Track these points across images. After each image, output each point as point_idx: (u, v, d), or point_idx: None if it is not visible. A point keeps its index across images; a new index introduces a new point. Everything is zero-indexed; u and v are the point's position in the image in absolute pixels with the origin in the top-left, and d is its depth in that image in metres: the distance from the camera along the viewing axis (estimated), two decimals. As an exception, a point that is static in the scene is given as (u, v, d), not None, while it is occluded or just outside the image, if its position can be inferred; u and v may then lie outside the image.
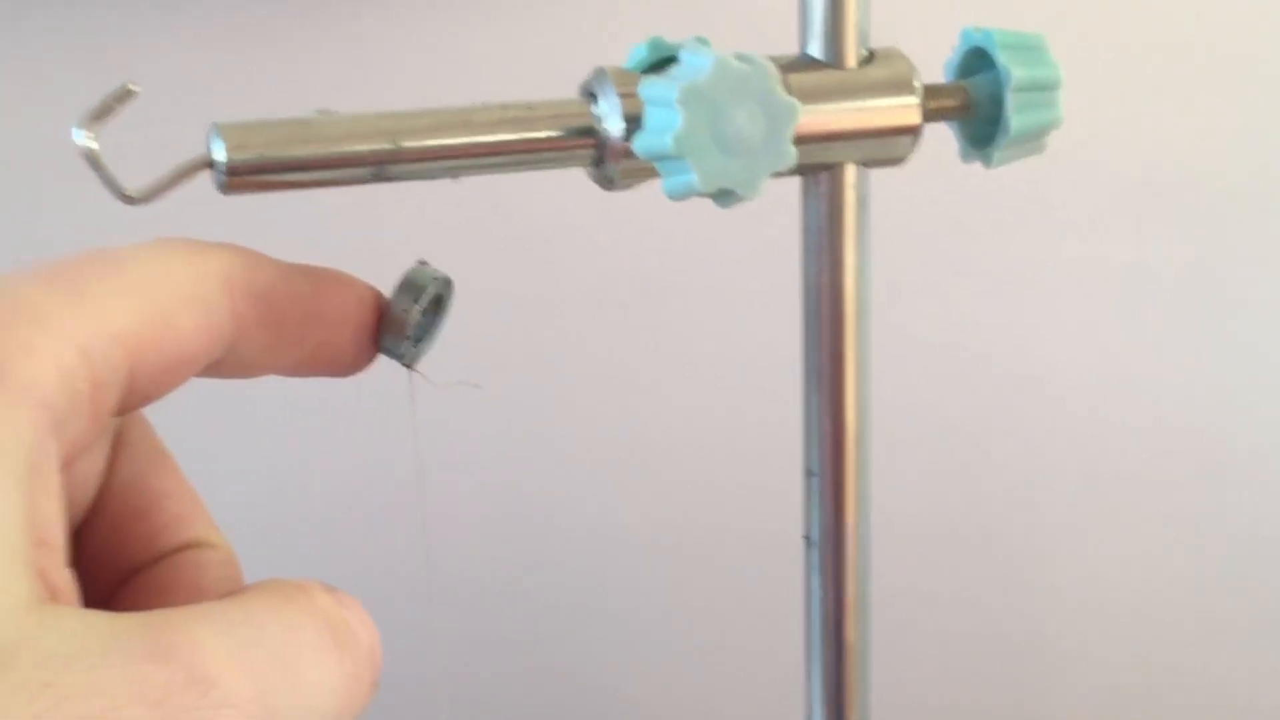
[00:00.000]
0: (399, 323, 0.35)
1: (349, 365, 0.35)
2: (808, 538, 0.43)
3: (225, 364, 0.32)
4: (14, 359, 0.25)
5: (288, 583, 0.28)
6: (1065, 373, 0.90)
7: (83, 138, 0.34)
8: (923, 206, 0.85)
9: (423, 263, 0.37)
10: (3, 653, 0.23)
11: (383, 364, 0.36)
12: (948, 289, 0.87)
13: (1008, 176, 0.82)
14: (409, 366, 0.37)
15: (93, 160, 0.34)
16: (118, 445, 0.32)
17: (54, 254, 0.29)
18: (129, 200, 0.35)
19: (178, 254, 0.30)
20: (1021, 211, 0.87)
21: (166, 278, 0.29)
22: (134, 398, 0.29)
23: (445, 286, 0.37)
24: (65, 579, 0.26)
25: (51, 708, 0.22)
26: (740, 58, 0.36)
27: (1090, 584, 0.93)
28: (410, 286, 0.36)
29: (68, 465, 0.27)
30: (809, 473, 0.43)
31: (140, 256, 0.29)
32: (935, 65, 0.43)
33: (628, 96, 0.37)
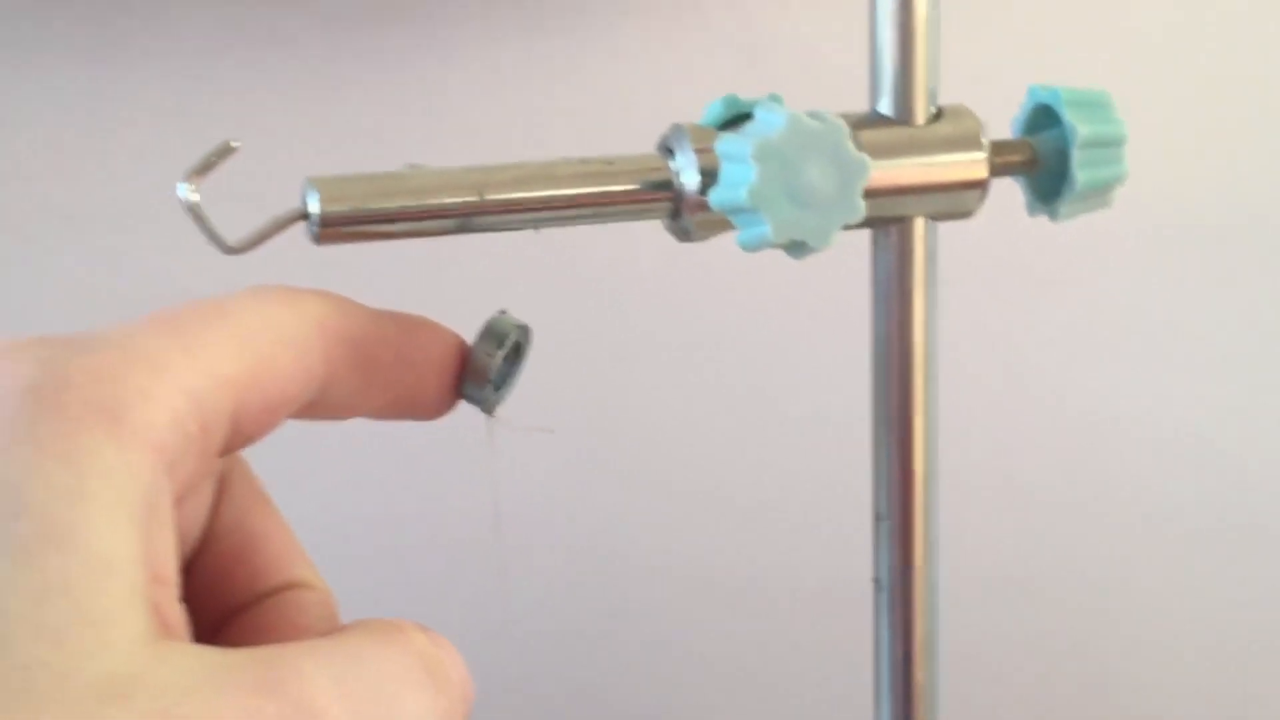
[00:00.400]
0: (481, 369, 0.37)
1: (433, 410, 0.36)
2: (877, 580, 0.44)
3: (318, 406, 0.33)
4: (132, 405, 0.26)
5: (384, 622, 0.29)
6: (1133, 422, 0.90)
7: (185, 191, 0.36)
8: (993, 255, 0.85)
9: (503, 312, 0.38)
10: (123, 684, 0.24)
11: (461, 407, 0.38)
12: (1017, 338, 0.88)
13: (1077, 224, 0.84)
14: (488, 413, 0.38)
15: (196, 213, 0.36)
16: (222, 487, 0.33)
17: (143, 301, 0.31)
18: (230, 250, 0.37)
19: (276, 300, 0.32)
20: (1091, 260, 0.87)
21: (267, 323, 0.31)
22: (237, 439, 0.30)
23: (524, 334, 0.38)
24: (178, 615, 0.27)
25: None
26: (812, 115, 0.37)
27: (1162, 629, 0.93)
28: (492, 334, 0.37)
29: (178, 504, 0.29)
30: (878, 517, 0.44)
31: (243, 304, 0.31)
32: (1002, 122, 0.44)
33: (703, 152, 0.39)
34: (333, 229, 0.37)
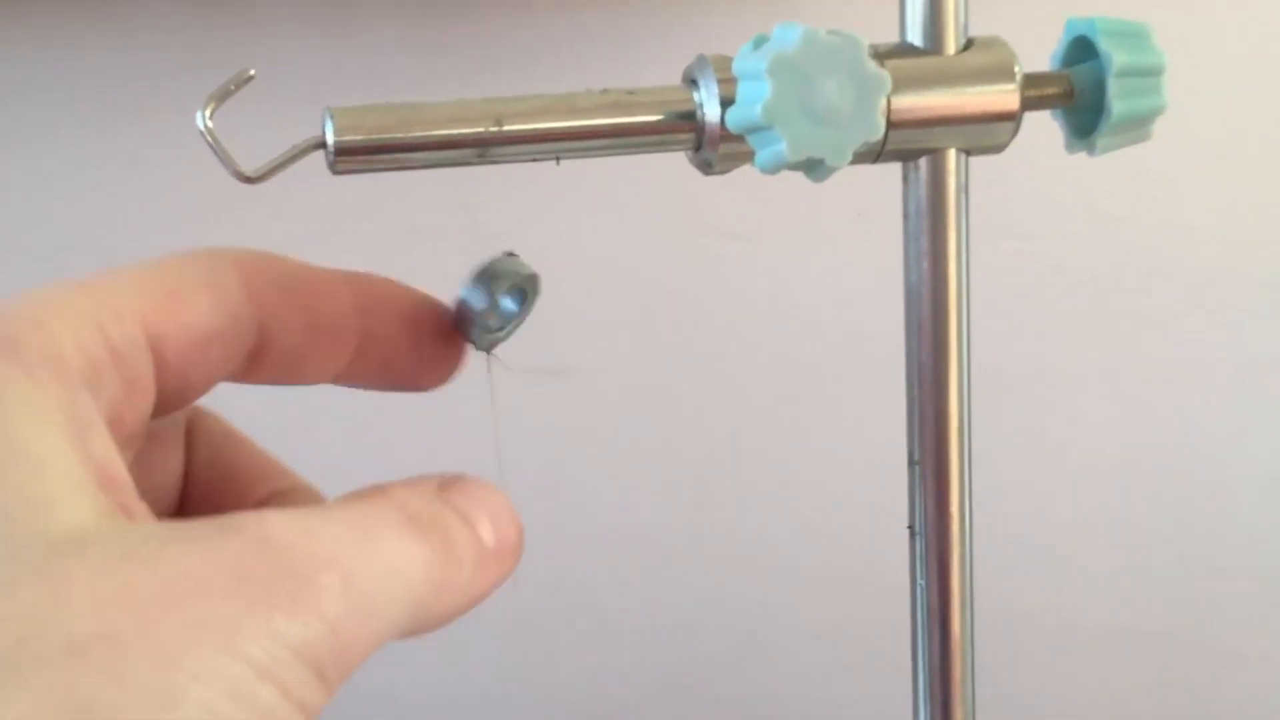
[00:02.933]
0: (467, 309, 0.36)
1: (418, 370, 0.36)
2: (912, 528, 0.43)
3: (274, 360, 0.33)
4: (28, 334, 0.27)
5: (369, 486, 0.29)
6: (1234, 467, 0.89)
7: (202, 119, 0.36)
8: (1096, 294, 0.85)
9: (510, 254, 0.37)
10: (77, 539, 0.24)
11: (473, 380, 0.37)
12: (1120, 379, 0.88)
13: (1182, 264, 0.84)
14: (484, 350, 0.37)
15: (211, 140, 0.36)
16: (191, 438, 0.33)
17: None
18: (246, 179, 0.37)
19: (188, 251, 0.32)
20: (1189, 301, 0.87)
21: (175, 265, 0.31)
22: (173, 377, 0.30)
23: (528, 281, 0.37)
24: (144, 511, 0.27)
25: (129, 577, 0.23)
26: (830, 31, 0.36)
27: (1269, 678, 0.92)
28: (486, 274, 0.36)
29: (121, 427, 0.29)
30: (912, 461, 0.43)
31: (146, 259, 0.31)
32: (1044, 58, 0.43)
33: (726, 81, 0.38)
34: (349, 158, 0.37)
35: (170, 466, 0.33)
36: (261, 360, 0.33)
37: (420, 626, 0.28)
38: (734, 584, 0.89)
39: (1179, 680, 0.93)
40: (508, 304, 0.37)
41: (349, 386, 0.36)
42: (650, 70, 0.73)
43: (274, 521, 0.25)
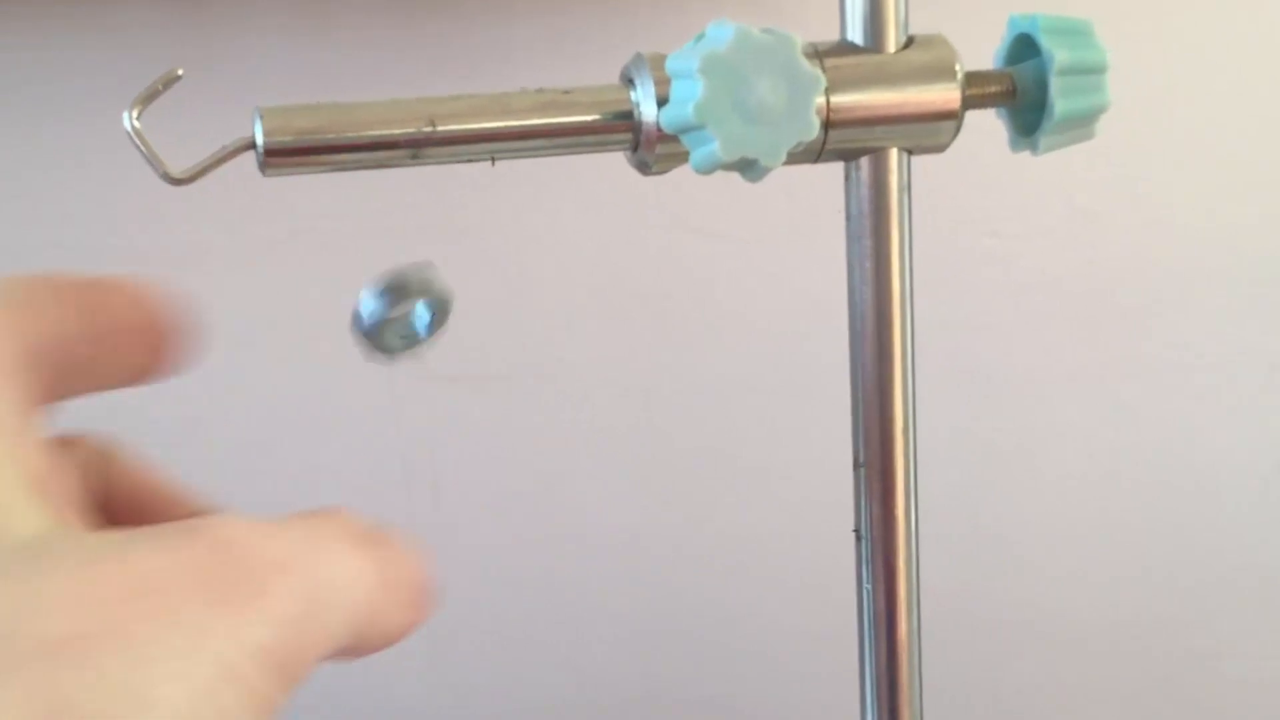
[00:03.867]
0: (356, 313, 0.36)
1: (140, 363, 0.33)
2: (857, 532, 0.43)
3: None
4: None
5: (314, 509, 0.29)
6: (1217, 462, 0.89)
7: (129, 120, 0.36)
8: (1075, 290, 0.85)
9: (426, 265, 0.37)
10: (43, 548, 0.24)
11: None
12: (1100, 375, 0.87)
13: (1162, 260, 0.84)
14: (369, 358, 0.37)
15: (139, 140, 0.36)
16: (103, 467, 0.33)
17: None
18: (173, 181, 0.37)
19: None
20: (1170, 297, 0.86)
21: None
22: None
23: (437, 298, 0.37)
24: (76, 522, 0.27)
25: (96, 579, 0.23)
26: (764, 30, 0.36)
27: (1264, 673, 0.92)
28: (383, 280, 0.36)
29: None
30: (857, 464, 0.42)
31: None
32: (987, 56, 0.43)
33: (662, 81, 0.38)
34: (279, 158, 0.37)
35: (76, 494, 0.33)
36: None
37: (354, 645, 0.28)
38: (707, 582, 0.89)
39: (1164, 677, 0.92)
40: (416, 312, 0.37)
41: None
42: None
43: (233, 525, 0.25)
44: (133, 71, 0.78)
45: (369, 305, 0.36)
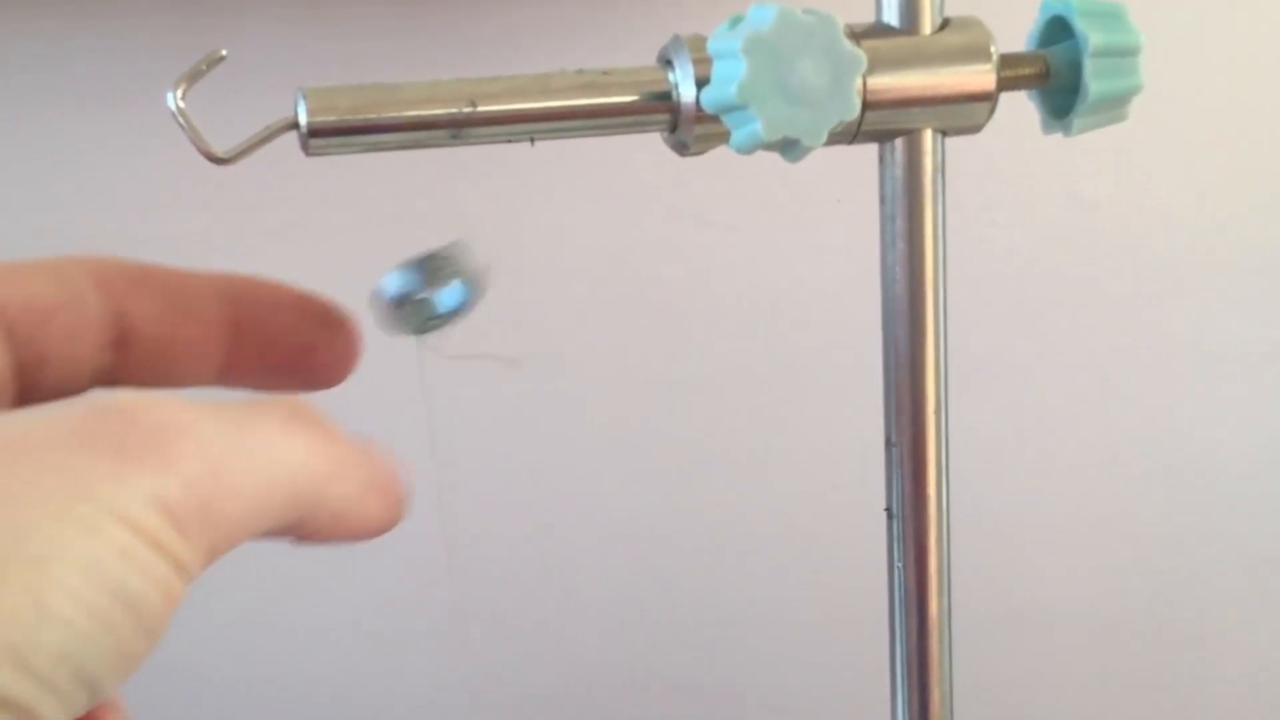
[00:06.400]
0: (382, 291, 0.36)
1: (299, 362, 0.35)
2: (889, 510, 0.43)
3: (142, 350, 0.33)
4: None
5: None
6: (1215, 452, 0.90)
7: (174, 100, 0.36)
8: (1075, 279, 0.85)
9: (453, 244, 0.37)
10: None
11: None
12: (1099, 365, 0.88)
13: (1162, 250, 0.84)
14: (416, 335, 0.37)
15: (183, 120, 0.36)
16: None
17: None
18: (217, 160, 0.37)
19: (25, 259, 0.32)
20: (1169, 287, 0.87)
21: (16, 260, 0.32)
22: (24, 346, 0.31)
23: (472, 271, 0.37)
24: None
25: None
26: (806, 11, 0.36)
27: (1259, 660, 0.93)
28: (427, 259, 0.36)
29: None
30: (889, 443, 0.43)
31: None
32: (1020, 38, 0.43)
33: (701, 61, 0.38)
34: (322, 139, 0.37)
35: None
36: (129, 350, 0.33)
37: (313, 522, 0.28)
38: (713, 569, 0.89)
39: (1158, 666, 0.93)
40: (445, 292, 0.37)
41: (241, 388, 0.35)
42: (630, 50, 0.73)
43: (125, 394, 0.25)
44: (134, 59, 0.77)
45: (399, 280, 0.36)
